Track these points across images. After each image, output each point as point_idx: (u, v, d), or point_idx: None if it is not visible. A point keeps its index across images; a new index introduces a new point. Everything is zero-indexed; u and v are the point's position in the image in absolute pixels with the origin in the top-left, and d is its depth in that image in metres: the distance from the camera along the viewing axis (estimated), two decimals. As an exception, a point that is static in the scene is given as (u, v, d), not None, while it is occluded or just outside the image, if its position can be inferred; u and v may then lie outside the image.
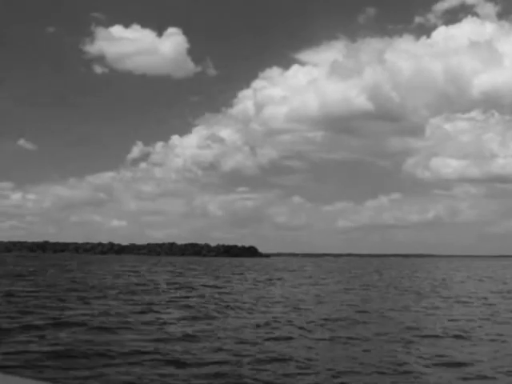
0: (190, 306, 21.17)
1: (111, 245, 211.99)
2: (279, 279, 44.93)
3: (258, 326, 16.31)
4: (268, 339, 13.99)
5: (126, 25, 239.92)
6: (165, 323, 16.54)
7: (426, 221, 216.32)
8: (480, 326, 17.18)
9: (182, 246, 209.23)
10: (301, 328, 16.00)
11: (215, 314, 18.95)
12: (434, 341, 14.33)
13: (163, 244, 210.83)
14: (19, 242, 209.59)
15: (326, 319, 18.00)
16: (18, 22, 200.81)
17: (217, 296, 26.30)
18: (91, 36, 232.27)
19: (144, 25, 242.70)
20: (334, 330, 15.96)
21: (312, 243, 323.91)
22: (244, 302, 23.34)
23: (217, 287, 33.10)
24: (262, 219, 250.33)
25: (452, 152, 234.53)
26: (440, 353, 12.60)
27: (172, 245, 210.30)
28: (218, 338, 14.05)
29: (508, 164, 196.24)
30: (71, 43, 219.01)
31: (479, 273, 67.45)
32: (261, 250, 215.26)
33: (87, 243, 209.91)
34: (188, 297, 25.49)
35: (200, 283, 35.99)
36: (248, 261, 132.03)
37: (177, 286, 33.13)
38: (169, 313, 19.29)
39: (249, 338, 14.01)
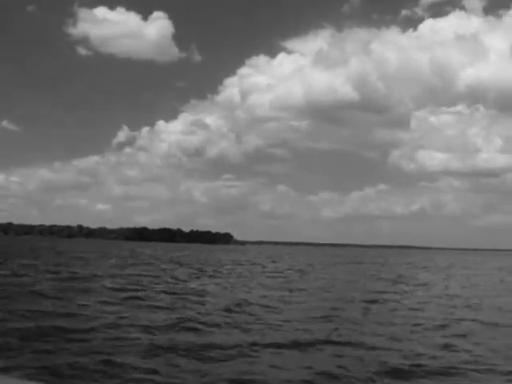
0: None
1: (80, 228, 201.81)
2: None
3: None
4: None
5: (111, 7, 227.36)
6: None
7: (410, 213, 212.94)
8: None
9: (153, 231, 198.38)
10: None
11: None
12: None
13: (134, 228, 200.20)
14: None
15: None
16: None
17: None
18: (74, 17, 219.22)
19: (129, 7, 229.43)
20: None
21: (296, 232, 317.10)
22: None
23: None
24: (246, 207, 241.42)
25: (437, 145, 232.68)
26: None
27: (144, 230, 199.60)
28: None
29: (492, 159, 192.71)
30: (53, 23, 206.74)
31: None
32: (243, 237, 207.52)
33: (54, 226, 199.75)
34: None
35: None
36: (206, 248, 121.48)
37: None
38: None
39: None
